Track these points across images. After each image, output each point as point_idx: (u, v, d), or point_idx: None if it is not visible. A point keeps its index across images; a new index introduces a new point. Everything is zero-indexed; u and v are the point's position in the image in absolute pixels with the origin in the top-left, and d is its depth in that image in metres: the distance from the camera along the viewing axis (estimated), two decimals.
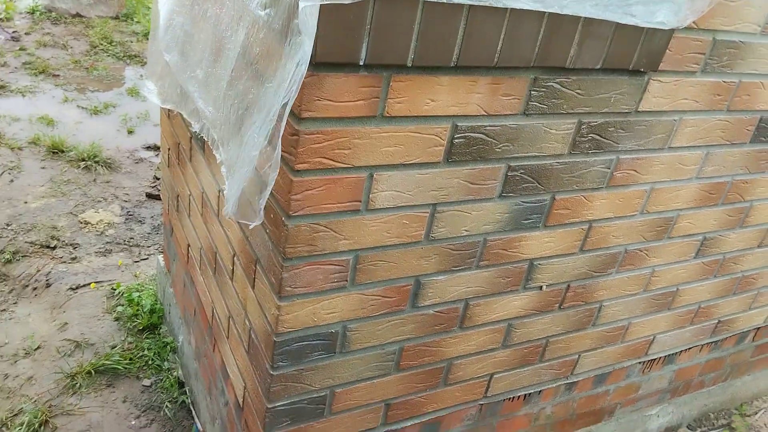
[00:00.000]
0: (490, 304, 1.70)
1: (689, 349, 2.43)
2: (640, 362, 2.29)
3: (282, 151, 1.24)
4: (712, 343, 2.49)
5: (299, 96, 1.13)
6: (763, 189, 2.03)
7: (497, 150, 1.41)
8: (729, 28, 1.54)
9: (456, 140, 1.34)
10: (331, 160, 1.23)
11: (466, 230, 1.51)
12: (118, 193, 3.89)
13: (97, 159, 4.12)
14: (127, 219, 3.66)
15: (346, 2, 1.00)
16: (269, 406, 1.52)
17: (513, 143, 1.42)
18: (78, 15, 6.76)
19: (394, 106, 1.23)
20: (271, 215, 1.33)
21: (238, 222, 1.59)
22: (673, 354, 2.38)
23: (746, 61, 1.64)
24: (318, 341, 1.48)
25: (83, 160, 4.09)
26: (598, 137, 1.54)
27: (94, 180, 3.97)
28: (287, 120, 1.20)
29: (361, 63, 1.13)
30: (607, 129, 1.54)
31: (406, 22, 1.11)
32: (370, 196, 1.32)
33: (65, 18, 6.60)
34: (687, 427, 2.82)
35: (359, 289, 1.45)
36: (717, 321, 2.40)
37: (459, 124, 1.32)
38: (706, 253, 2.09)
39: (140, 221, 3.67)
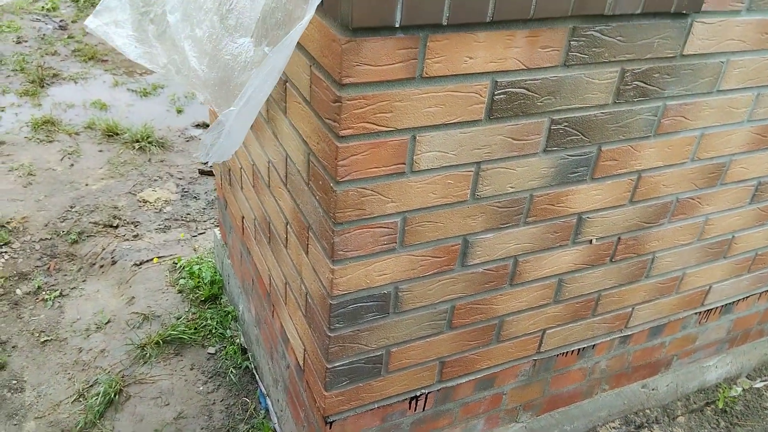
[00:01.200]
0: (540, 260, 1.71)
1: (747, 297, 2.38)
2: (696, 313, 2.27)
3: (326, 118, 1.27)
4: None
5: (339, 62, 1.15)
6: None
7: (539, 104, 1.41)
8: None
9: (496, 96, 1.34)
10: (373, 124, 1.25)
11: (511, 187, 1.51)
12: (172, 171, 4.04)
13: (150, 140, 4.27)
14: (182, 196, 3.81)
15: None
16: (329, 366, 1.58)
17: (555, 96, 1.41)
18: None
19: (432, 66, 1.23)
20: (320, 182, 1.37)
21: (288, 189, 1.63)
22: (730, 303, 2.34)
23: None
24: (372, 302, 1.52)
25: (137, 141, 4.25)
26: (642, 84, 1.52)
27: (149, 160, 4.13)
28: (329, 89, 1.22)
29: (397, 25, 1.14)
30: (652, 75, 1.51)
31: None
32: (414, 157, 1.34)
33: None
34: (746, 377, 2.78)
35: (408, 250, 1.48)
36: None
37: (498, 80, 1.32)
38: (762, 198, 2.04)
39: (195, 197, 3.81)
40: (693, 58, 1.55)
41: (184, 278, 3.10)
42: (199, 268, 3.09)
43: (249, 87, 1.12)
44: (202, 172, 3.99)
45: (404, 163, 1.34)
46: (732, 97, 1.70)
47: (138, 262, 3.24)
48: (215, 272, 3.08)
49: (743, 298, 2.37)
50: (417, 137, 1.32)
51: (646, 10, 1.37)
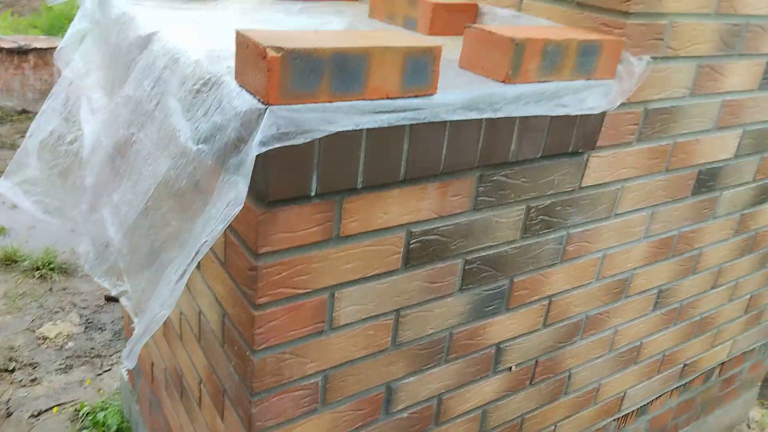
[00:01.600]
0: (463, 394, 1.68)
1: (660, 396, 2.45)
2: (614, 419, 2.30)
3: (241, 284, 1.21)
4: (681, 386, 2.52)
5: (255, 233, 1.11)
6: (710, 235, 2.10)
7: (452, 247, 1.42)
8: (659, 96, 1.60)
9: (412, 246, 1.34)
10: (291, 288, 1.20)
11: (431, 328, 1.50)
12: (75, 300, 3.71)
13: (52, 266, 3.92)
14: (86, 328, 3.48)
15: (298, 143, 1.00)
16: None
17: (467, 238, 1.43)
18: (24, 111, 6.36)
19: (349, 226, 1.22)
20: (235, 347, 1.29)
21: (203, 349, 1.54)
22: (645, 405, 2.40)
23: (679, 122, 1.71)
24: None
25: (38, 269, 3.89)
26: (547, 218, 1.57)
27: (50, 289, 3.78)
28: (244, 256, 1.18)
29: (313, 194, 1.12)
30: (555, 209, 1.57)
31: (352, 152, 1.12)
32: (333, 314, 1.30)
33: (11, 115, 6.25)
34: None
35: (331, 408, 1.41)
36: (683, 365, 2.44)
37: (413, 230, 1.33)
38: (664, 304, 2.14)
39: (100, 328, 3.49)
40: (590, 189, 1.63)
41: (88, 428, 2.78)
42: (104, 415, 2.78)
43: (176, 290, 1.05)
44: (108, 299, 3.69)
45: (324, 321, 1.29)
46: (629, 218, 1.80)
47: (36, 413, 2.88)
48: (122, 419, 2.79)
49: (656, 398, 2.44)
50: (336, 294, 1.28)
51: (546, 153, 1.44)
